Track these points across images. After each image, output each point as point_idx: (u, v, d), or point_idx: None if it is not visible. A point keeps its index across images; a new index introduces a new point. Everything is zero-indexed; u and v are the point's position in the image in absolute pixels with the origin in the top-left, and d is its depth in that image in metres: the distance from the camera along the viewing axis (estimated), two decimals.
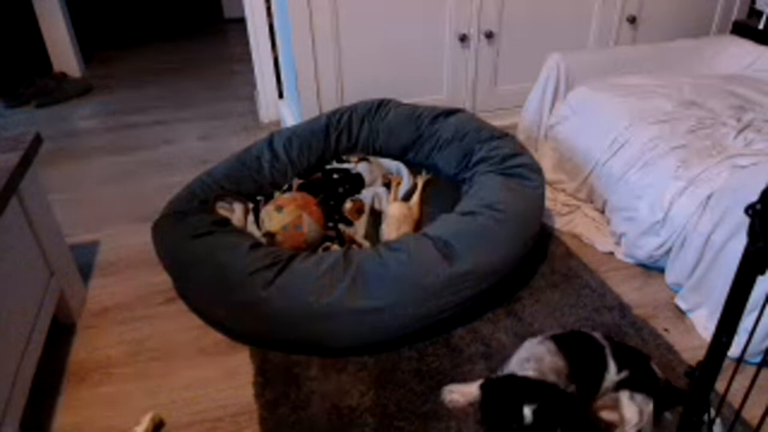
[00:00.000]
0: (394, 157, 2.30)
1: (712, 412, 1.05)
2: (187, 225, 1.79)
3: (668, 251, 1.85)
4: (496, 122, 2.35)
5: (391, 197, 2.05)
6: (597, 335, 1.45)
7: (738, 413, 1.02)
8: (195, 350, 1.69)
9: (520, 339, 1.55)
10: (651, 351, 1.59)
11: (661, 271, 1.91)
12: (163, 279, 1.90)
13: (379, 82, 2.54)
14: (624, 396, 1.35)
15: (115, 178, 2.71)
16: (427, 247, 1.65)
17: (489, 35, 2.63)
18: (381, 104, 2.37)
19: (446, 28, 2.58)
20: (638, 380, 1.37)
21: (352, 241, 1.92)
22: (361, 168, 2.15)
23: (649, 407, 1.34)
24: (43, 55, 3.89)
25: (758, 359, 1.53)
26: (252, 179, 2.11)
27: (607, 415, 1.40)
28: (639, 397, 1.34)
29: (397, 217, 1.92)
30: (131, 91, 3.83)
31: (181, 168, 2.69)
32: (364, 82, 2.52)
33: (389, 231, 1.90)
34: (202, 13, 5.21)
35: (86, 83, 3.85)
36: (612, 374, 1.36)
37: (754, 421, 1.05)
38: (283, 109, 3.02)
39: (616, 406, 1.37)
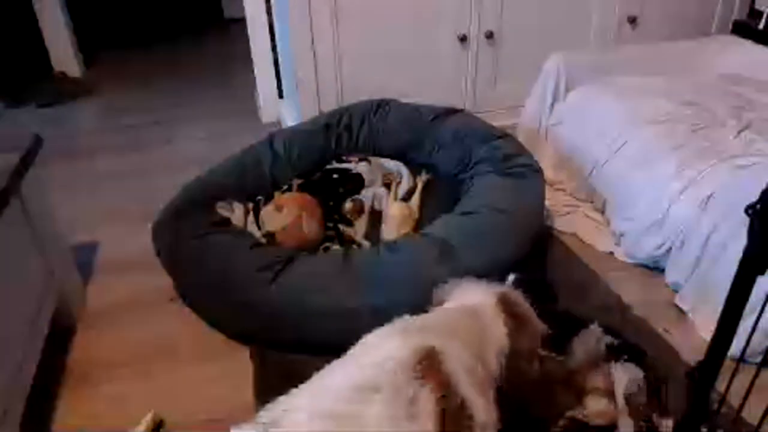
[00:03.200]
0: (394, 157, 2.29)
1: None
2: (187, 225, 1.79)
3: (668, 251, 1.85)
4: (496, 122, 2.34)
5: (391, 197, 2.05)
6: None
7: (738, 413, 1.02)
8: (195, 350, 1.69)
9: None
10: (651, 351, 1.58)
11: (661, 271, 1.91)
12: (163, 279, 1.90)
13: (379, 82, 2.53)
14: (616, 366, 1.38)
15: (115, 178, 2.71)
16: (427, 247, 1.65)
17: (489, 35, 2.63)
18: (381, 104, 2.37)
19: (446, 29, 2.58)
20: (628, 348, 1.41)
21: (352, 241, 1.91)
22: (361, 168, 2.15)
23: (639, 375, 1.36)
24: (43, 55, 3.89)
25: (758, 359, 1.53)
26: (252, 179, 2.11)
27: (595, 404, 1.38)
28: (630, 366, 1.37)
29: (397, 217, 1.92)
30: (131, 91, 3.83)
31: (181, 168, 2.68)
32: (364, 82, 2.51)
33: (389, 231, 1.90)
34: (202, 13, 5.21)
35: (86, 83, 3.85)
36: (594, 332, 1.40)
37: (754, 421, 1.05)
38: (283, 109, 3.02)
39: (605, 376, 1.38)
